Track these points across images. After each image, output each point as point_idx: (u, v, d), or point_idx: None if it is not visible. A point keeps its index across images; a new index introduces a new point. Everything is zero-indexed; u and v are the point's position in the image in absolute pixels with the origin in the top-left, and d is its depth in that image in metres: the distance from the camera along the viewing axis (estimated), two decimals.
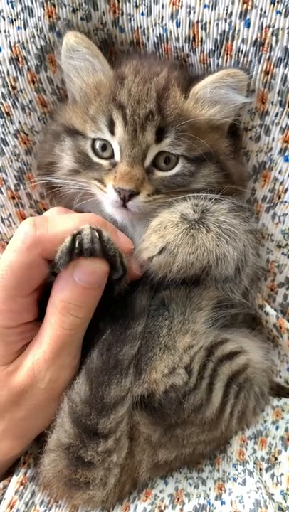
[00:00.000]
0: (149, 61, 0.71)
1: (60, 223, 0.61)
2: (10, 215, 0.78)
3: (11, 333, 0.63)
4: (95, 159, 0.69)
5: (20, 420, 0.63)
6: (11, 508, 0.65)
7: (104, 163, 0.69)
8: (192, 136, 0.67)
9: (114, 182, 0.66)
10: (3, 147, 0.74)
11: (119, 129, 0.66)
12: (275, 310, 0.79)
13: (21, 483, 0.68)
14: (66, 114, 0.72)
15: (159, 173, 0.68)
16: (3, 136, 0.74)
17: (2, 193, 0.77)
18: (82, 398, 0.62)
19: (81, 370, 0.64)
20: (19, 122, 0.74)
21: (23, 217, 0.78)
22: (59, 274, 0.61)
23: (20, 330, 0.63)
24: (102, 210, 0.71)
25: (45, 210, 0.78)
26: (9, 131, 0.74)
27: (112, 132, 0.67)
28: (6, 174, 0.76)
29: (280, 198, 0.74)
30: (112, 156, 0.68)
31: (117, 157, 0.68)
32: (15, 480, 0.68)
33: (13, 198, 0.77)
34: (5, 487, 0.68)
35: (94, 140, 0.69)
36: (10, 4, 0.68)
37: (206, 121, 0.68)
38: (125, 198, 0.66)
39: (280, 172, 0.73)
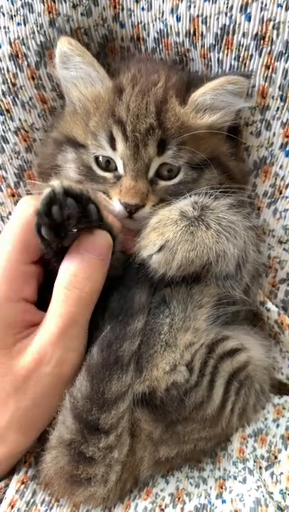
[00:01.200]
0: (147, 66, 0.70)
1: None
2: (10, 212, 0.78)
3: (12, 309, 0.63)
4: (100, 172, 0.69)
5: (25, 410, 0.63)
6: (12, 507, 0.65)
7: (109, 176, 0.69)
8: (193, 146, 0.67)
9: (120, 196, 0.66)
10: (4, 145, 0.74)
11: (120, 144, 0.66)
12: (277, 306, 0.79)
13: (22, 482, 0.68)
14: (67, 124, 0.72)
15: (162, 183, 0.68)
16: (3, 134, 0.74)
17: (2, 190, 0.77)
18: (84, 394, 0.62)
19: (82, 367, 0.64)
20: (19, 119, 0.74)
21: None
22: (67, 253, 0.62)
23: (21, 308, 0.64)
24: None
25: None
26: (9, 129, 0.74)
27: (114, 148, 0.67)
28: (6, 172, 0.76)
29: (281, 193, 0.74)
30: (115, 169, 0.68)
31: (121, 171, 0.68)
32: (16, 479, 0.68)
33: (13, 195, 0.78)
34: (6, 486, 0.68)
35: (96, 156, 0.69)
36: (10, 0, 0.68)
37: (206, 129, 0.68)
38: (131, 211, 0.66)
39: (281, 167, 0.72)
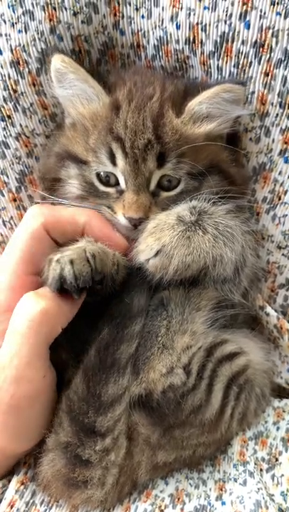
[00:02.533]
0: (142, 78, 0.71)
1: (62, 209, 0.68)
2: (11, 217, 0.79)
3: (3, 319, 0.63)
4: (102, 188, 0.70)
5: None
6: (12, 508, 0.66)
7: (112, 191, 0.69)
8: (193, 156, 0.67)
9: (124, 211, 0.67)
10: (5, 150, 0.75)
11: (120, 161, 0.67)
12: (276, 311, 0.79)
13: (22, 483, 0.68)
14: (68, 140, 0.72)
15: (164, 194, 0.69)
16: (4, 139, 0.74)
17: (3, 195, 0.77)
18: (80, 396, 0.62)
19: (79, 369, 0.64)
20: (20, 125, 0.74)
21: None
22: None
23: None
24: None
25: None
26: (10, 134, 0.74)
27: (114, 163, 0.68)
28: (8, 177, 0.76)
29: (280, 199, 0.74)
30: (117, 183, 0.69)
31: (123, 185, 0.68)
32: (15, 480, 0.68)
33: (14, 200, 0.78)
34: (4, 486, 0.68)
35: (98, 172, 0.70)
36: (11, 8, 0.69)
37: (204, 138, 0.68)
38: (136, 225, 0.67)
39: (280, 173, 0.73)
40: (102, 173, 0.69)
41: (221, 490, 0.70)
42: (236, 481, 0.70)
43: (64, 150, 0.72)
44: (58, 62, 0.68)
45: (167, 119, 0.67)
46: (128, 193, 0.67)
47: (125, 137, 0.66)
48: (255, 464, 0.71)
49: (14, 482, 0.68)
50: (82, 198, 0.71)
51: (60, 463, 0.63)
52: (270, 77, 0.67)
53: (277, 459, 0.72)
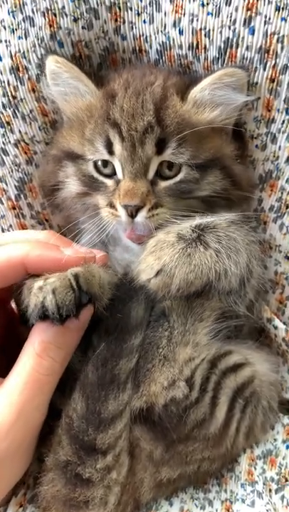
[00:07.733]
0: (141, 71, 0.71)
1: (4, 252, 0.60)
2: (10, 225, 0.79)
3: None
4: (101, 178, 0.69)
5: None
6: None
7: (110, 183, 0.69)
8: (195, 143, 0.66)
9: (120, 199, 0.66)
10: (4, 157, 0.75)
11: (117, 147, 0.66)
12: (285, 323, 0.78)
13: (20, 505, 0.67)
14: (64, 138, 0.72)
15: (163, 184, 0.67)
16: (3, 146, 0.74)
17: (3, 203, 0.77)
18: (79, 414, 0.61)
19: (76, 385, 0.62)
20: (20, 132, 0.74)
21: (23, 228, 0.79)
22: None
23: None
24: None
25: (47, 220, 0.80)
26: (9, 141, 0.74)
27: (111, 152, 0.67)
28: (7, 184, 0.76)
29: (287, 207, 0.73)
30: (114, 173, 0.68)
31: (120, 175, 0.68)
32: (14, 501, 0.67)
33: (13, 208, 0.78)
34: (5, 511, 0.67)
35: (95, 161, 0.69)
36: (11, 14, 0.69)
37: (208, 125, 0.67)
38: (132, 214, 0.66)
39: (287, 181, 0.72)
40: (99, 162, 0.69)
41: (228, 511, 0.68)
42: (244, 502, 0.68)
43: (60, 149, 0.72)
44: (51, 63, 0.68)
45: (171, 102, 0.66)
46: (124, 180, 0.66)
47: (121, 121, 0.65)
48: (264, 483, 0.69)
49: (13, 504, 0.66)
50: (82, 195, 0.71)
51: (60, 483, 0.62)
52: (275, 83, 0.67)
53: (287, 479, 0.70)
